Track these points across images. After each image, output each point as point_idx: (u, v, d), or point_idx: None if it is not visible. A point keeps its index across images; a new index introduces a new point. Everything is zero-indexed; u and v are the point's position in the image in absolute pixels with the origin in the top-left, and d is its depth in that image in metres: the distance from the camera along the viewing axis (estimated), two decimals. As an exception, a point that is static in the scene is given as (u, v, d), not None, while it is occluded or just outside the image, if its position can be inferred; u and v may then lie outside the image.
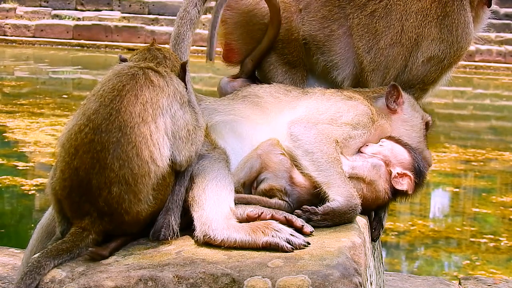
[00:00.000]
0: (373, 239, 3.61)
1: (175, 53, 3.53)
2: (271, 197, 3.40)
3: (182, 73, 3.40)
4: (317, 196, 3.38)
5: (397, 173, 3.56)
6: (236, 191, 3.35)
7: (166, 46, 3.58)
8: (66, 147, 3.11)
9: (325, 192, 3.35)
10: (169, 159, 3.14)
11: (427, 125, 3.95)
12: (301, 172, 3.45)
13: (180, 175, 3.25)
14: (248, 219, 3.19)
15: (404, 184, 3.56)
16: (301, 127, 3.55)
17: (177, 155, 3.18)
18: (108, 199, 3.04)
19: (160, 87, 3.19)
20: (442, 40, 3.98)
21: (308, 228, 3.16)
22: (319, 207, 3.28)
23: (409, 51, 3.95)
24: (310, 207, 3.29)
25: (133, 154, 3.04)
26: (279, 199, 3.38)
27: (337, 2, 3.93)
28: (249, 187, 3.46)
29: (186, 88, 3.37)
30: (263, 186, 3.42)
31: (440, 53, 3.99)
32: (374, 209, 3.63)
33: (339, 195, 3.31)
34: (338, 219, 3.29)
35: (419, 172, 3.63)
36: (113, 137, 3.04)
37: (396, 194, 3.59)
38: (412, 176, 3.58)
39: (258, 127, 3.63)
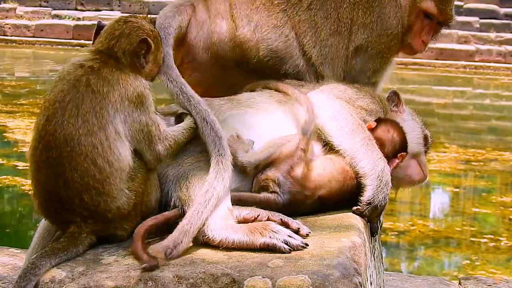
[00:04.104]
0: (372, 233, 3.59)
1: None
2: (265, 186, 3.40)
3: (134, 51, 3.24)
4: (308, 188, 3.41)
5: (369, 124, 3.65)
6: (245, 171, 3.38)
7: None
8: (31, 163, 3.13)
9: (353, 166, 3.44)
10: (131, 155, 3.11)
11: (426, 139, 3.97)
12: (325, 145, 3.52)
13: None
14: (245, 222, 3.18)
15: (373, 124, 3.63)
16: (324, 97, 3.65)
17: (143, 156, 3.16)
18: (83, 205, 3.05)
19: (103, 94, 3.08)
20: (366, 26, 3.94)
21: (304, 230, 3.15)
22: (360, 204, 3.39)
23: (348, 38, 3.94)
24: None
25: (88, 163, 3.02)
26: (270, 191, 3.38)
27: (277, 8, 3.91)
28: (258, 173, 3.46)
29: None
30: (261, 175, 3.43)
31: (364, 42, 3.95)
32: None
33: (366, 171, 3.41)
34: (382, 196, 3.39)
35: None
36: (64, 152, 3.03)
37: (380, 145, 3.58)
38: (370, 122, 3.64)
39: (269, 117, 3.63)
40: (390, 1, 3.97)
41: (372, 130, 3.61)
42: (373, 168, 3.42)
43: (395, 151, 3.66)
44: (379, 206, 3.39)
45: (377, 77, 4.09)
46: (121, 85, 3.13)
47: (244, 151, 3.41)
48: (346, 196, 3.47)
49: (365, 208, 3.39)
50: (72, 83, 3.11)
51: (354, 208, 3.41)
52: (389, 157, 3.60)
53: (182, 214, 3.19)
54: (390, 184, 3.44)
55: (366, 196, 3.40)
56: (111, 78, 3.13)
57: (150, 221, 3.14)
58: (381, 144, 3.58)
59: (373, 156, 3.44)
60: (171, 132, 3.26)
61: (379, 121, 3.71)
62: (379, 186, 3.40)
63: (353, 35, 3.94)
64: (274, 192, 3.37)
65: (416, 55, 4.23)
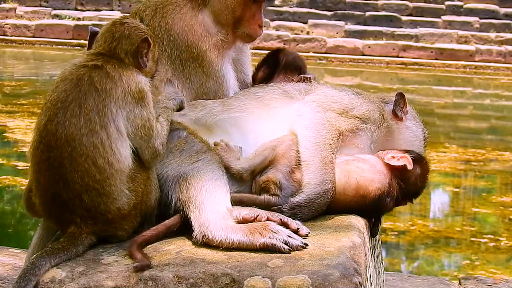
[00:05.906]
0: (372, 234, 3.59)
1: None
2: (265, 188, 3.40)
3: (137, 51, 3.25)
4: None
5: (391, 156, 3.54)
6: (242, 177, 3.38)
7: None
8: (32, 163, 3.13)
9: (302, 174, 3.39)
10: (131, 156, 3.11)
11: (424, 140, 3.97)
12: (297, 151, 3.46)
13: None
14: (244, 222, 3.18)
15: (401, 160, 3.51)
16: (310, 107, 3.61)
17: (141, 154, 3.16)
18: (83, 206, 3.05)
19: (106, 92, 3.08)
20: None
21: (303, 230, 3.15)
22: (286, 204, 3.32)
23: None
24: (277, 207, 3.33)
25: (88, 164, 3.02)
26: (271, 194, 3.37)
27: None
28: (256, 176, 3.46)
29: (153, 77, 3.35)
30: (261, 177, 3.42)
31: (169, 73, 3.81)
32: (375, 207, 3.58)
33: (311, 180, 3.36)
34: (308, 210, 3.32)
35: (416, 153, 3.62)
36: (65, 152, 3.03)
37: (401, 179, 3.52)
38: (407, 155, 3.53)
39: (262, 122, 3.62)
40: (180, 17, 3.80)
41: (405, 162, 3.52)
42: (319, 184, 3.36)
43: (407, 195, 3.60)
44: (298, 216, 3.31)
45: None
46: (124, 81, 3.14)
47: (236, 158, 3.41)
48: (350, 209, 3.42)
49: (287, 209, 3.33)
50: (74, 82, 3.11)
51: (273, 198, 3.37)
52: (397, 195, 3.53)
53: (182, 219, 3.19)
54: (323, 209, 3.37)
55: (295, 199, 3.35)
56: (115, 75, 3.14)
57: (150, 232, 3.14)
58: (405, 183, 3.53)
59: (325, 175, 3.38)
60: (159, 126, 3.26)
61: (416, 160, 3.60)
62: (313, 201, 3.34)
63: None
64: (275, 194, 3.37)
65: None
